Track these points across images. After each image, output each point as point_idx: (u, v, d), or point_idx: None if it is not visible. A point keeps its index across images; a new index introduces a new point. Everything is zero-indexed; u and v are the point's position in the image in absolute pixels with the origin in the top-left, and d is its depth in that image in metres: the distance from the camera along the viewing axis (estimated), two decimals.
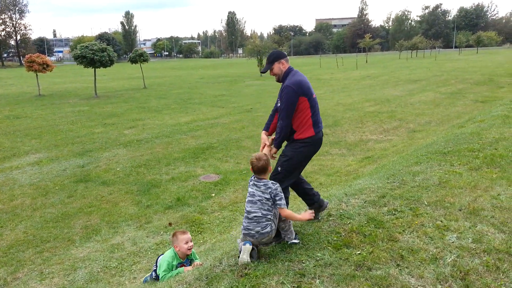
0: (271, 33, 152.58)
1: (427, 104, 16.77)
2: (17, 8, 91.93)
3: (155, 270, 3.91)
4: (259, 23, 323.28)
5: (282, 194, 3.19)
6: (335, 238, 3.38)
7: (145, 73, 38.58)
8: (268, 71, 3.56)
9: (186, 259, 3.79)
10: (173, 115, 16.44)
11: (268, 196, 3.16)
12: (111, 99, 21.99)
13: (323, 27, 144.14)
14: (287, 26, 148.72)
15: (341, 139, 11.45)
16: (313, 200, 3.76)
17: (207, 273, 2.95)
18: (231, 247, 3.72)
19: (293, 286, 2.67)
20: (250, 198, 3.23)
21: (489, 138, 6.97)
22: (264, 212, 3.14)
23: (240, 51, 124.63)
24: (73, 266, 5.15)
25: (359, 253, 3.09)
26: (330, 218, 3.78)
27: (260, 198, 3.17)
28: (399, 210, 3.91)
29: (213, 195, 7.41)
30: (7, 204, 7.35)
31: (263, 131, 3.69)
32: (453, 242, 3.20)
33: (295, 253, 3.16)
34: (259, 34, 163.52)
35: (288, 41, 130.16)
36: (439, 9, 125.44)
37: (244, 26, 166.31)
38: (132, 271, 4.98)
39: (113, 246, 5.67)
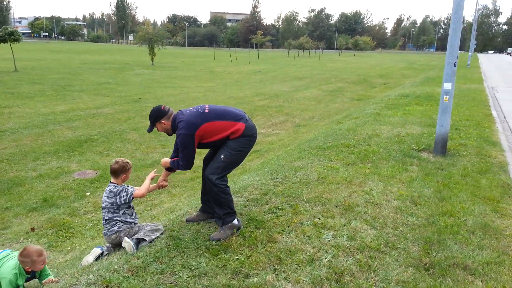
0: (165, 22, 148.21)
1: (311, 100, 17.72)
2: None
3: None
4: (152, 10, 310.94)
5: (124, 188, 3.36)
6: (214, 243, 3.16)
7: (18, 54, 34.09)
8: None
9: (32, 273, 3.09)
10: (47, 103, 14.69)
11: (112, 201, 3.34)
12: None
13: (217, 20, 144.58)
14: (182, 16, 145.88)
15: None
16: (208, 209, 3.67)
17: None
18: (106, 260, 3.27)
19: None
20: (102, 204, 3.48)
21: (363, 135, 7.48)
22: (110, 215, 3.37)
23: (131, 37, 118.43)
24: None
25: (237, 259, 2.91)
26: (212, 220, 3.55)
27: (105, 203, 3.38)
28: (280, 208, 3.85)
29: (88, 194, 6.67)
30: None
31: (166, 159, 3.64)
32: (329, 240, 3.21)
33: (168, 263, 2.86)
34: (152, 21, 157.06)
35: (182, 31, 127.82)
36: (324, 13, 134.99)
37: (135, 12, 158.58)
38: None
39: None
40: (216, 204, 3.34)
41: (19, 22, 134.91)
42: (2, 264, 3.01)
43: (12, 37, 23.32)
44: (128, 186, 3.42)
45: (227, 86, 22.41)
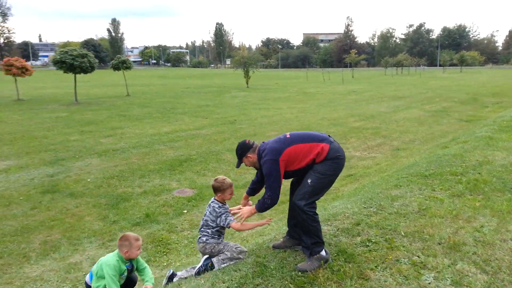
0: (259, 45, 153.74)
1: (412, 121, 16.70)
2: (0, 11, 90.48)
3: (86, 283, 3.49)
4: (247, 35, 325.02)
5: (226, 214, 3.55)
6: (299, 273, 3.06)
7: (131, 80, 38.04)
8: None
9: (130, 263, 3.45)
10: (154, 124, 16.02)
11: (212, 218, 3.61)
12: (91, 106, 21.45)
13: (310, 41, 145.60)
14: (275, 39, 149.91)
15: None
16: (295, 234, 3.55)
17: None
18: (193, 281, 3.37)
19: None
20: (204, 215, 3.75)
21: (473, 161, 6.77)
22: (205, 227, 3.66)
23: (228, 62, 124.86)
24: (23, 286, 4.73)
25: None
26: (298, 248, 3.46)
27: (206, 216, 3.68)
28: (373, 241, 3.61)
29: (185, 211, 7.03)
30: None
31: (245, 194, 3.79)
32: (429, 283, 2.91)
33: None
34: (247, 46, 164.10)
35: (276, 54, 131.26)
36: (423, 28, 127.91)
37: (232, 38, 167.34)
38: None
39: (70, 266, 5.26)
40: (304, 232, 3.22)
41: (131, 51, 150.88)
42: (102, 261, 3.41)
43: (124, 65, 26.11)
44: (228, 214, 3.62)
45: (320, 107, 22.24)
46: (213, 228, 3.63)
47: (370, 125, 15.86)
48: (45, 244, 5.90)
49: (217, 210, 3.62)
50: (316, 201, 3.30)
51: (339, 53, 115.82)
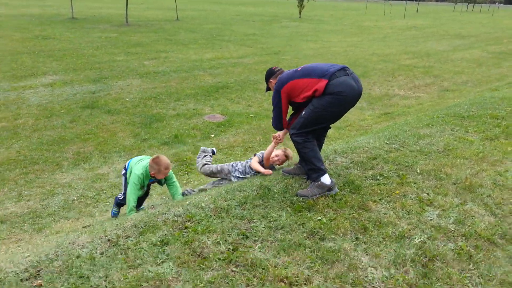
0: None
1: (470, 62, 15.41)
2: None
3: (124, 174, 3.92)
4: None
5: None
6: (300, 199, 3.03)
7: (183, 5, 37.51)
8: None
9: (155, 178, 3.81)
10: (198, 50, 15.94)
11: (241, 168, 3.98)
12: (141, 28, 21.57)
13: None
14: None
15: (366, 91, 10.71)
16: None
17: (147, 220, 2.71)
18: (198, 196, 3.46)
19: (228, 248, 2.38)
20: None
21: None
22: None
23: None
24: (52, 191, 5.11)
25: (319, 219, 2.74)
26: (304, 177, 3.41)
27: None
28: (385, 175, 3.47)
29: (212, 136, 7.14)
30: (10, 122, 7.39)
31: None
32: (431, 220, 2.78)
33: (250, 211, 2.85)
34: None
35: None
36: None
37: None
38: (107, 203, 4.90)
39: (98, 176, 5.60)
40: (300, 158, 3.28)
41: None
42: (136, 163, 3.80)
43: None
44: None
45: (373, 41, 20.97)
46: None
47: (423, 63, 14.83)
48: (78, 154, 6.28)
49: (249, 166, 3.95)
50: (311, 132, 3.21)
51: None
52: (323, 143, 3.61)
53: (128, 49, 15.49)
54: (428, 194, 3.16)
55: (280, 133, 3.55)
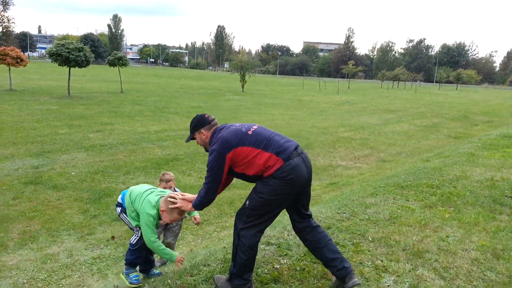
0: (259, 51, 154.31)
1: (401, 135, 16.91)
2: (1, 0, 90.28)
3: (120, 204, 3.37)
4: (248, 40, 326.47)
5: None
6: (266, 270, 3.15)
7: (127, 78, 38.00)
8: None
9: None
10: (144, 123, 16.04)
11: None
12: (83, 100, 21.43)
13: (310, 49, 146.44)
14: (275, 46, 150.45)
15: (311, 162, 11.29)
16: (333, 274, 2.97)
17: None
18: (162, 271, 3.44)
19: None
20: None
21: (450, 175, 6.91)
22: None
23: (226, 65, 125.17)
24: None
25: None
26: (267, 248, 3.55)
27: None
28: (341, 244, 3.71)
29: None
30: None
31: None
32: (388, 285, 3.01)
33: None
34: (247, 50, 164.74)
35: (274, 60, 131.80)
36: (423, 44, 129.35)
37: (232, 41, 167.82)
38: (60, 285, 4.61)
39: (47, 256, 5.28)
40: (232, 254, 2.86)
41: (130, 49, 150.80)
42: (145, 197, 3.14)
43: (120, 61, 26.16)
44: None
45: (312, 115, 22.42)
46: None
47: (359, 136, 16.03)
48: (24, 234, 5.92)
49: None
50: (263, 230, 2.84)
51: (338, 63, 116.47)
52: (321, 233, 3.02)
53: (71, 121, 15.25)
54: (382, 261, 3.42)
55: (188, 206, 2.95)
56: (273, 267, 3.21)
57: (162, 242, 3.46)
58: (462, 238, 3.98)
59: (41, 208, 6.91)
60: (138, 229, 3.23)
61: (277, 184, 2.67)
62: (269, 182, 2.68)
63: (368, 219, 4.42)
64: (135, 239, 3.29)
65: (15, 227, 6.13)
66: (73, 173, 8.86)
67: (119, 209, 3.41)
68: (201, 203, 2.89)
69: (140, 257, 3.32)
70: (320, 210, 4.78)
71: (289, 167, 2.67)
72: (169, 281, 2.94)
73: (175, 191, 3.71)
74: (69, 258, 5.25)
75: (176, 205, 2.96)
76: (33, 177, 8.43)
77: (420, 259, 3.47)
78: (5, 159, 9.65)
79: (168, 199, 3.03)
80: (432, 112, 26.76)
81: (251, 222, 2.76)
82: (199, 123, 2.96)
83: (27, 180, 8.22)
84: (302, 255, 3.45)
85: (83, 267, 5.07)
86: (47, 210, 6.85)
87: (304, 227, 2.99)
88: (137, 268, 3.35)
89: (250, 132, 2.79)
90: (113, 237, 5.87)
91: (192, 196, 3.09)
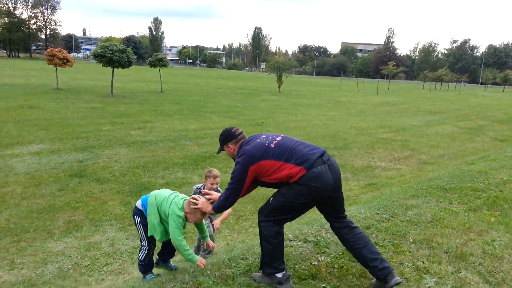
0: (296, 51, 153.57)
1: (444, 137, 16.33)
2: (49, 4, 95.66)
3: (140, 212, 3.40)
4: (285, 41, 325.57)
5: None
6: (303, 267, 3.13)
7: (166, 78, 38.93)
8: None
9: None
10: (183, 121, 16.38)
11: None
12: (125, 99, 22.16)
13: (348, 50, 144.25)
14: (312, 46, 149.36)
15: (348, 162, 11.14)
16: (374, 274, 2.92)
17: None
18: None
19: None
20: None
21: (497, 179, 6.60)
22: None
23: (263, 65, 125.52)
24: (45, 259, 5.02)
25: (324, 287, 2.83)
26: (305, 245, 3.53)
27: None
28: (380, 244, 3.63)
29: None
30: None
31: None
32: (429, 287, 2.91)
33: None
34: (284, 51, 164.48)
35: (312, 61, 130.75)
36: (468, 44, 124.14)
37: (269, 42, 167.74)
38: (102, 272, 4.82)
39: (90, 244, 5.52)
40: (260, 245, 2.97)
41: (170, 50, 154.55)
42: (172, 200, 3.23)
43: (161, 62, 26.84)
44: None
45: (350, 116, 22.06)
46: None
47: (400, 137, 15.62)
48: (69, 223, 6.21)
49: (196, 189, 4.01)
50: (283, 224, 2.94)
51: (377, 64, 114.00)
52: (359, 234, 3.01)
53: (114, 119, 15.80)
54: (423, 262, 3.32)
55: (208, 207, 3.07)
56: (311, 263, 3.19)
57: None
58: (509, 243, 3.79)
59: (85, 199, 7.22)
60: (146, 242, 3.36)
61: (302, 190, 2.78)
62: (294, 187, 2.79)
63: (409, 221, 4.30)
64: (142, 255, 3.40)
65: (61, 216, 6.44)
66: (115, 167, 9.19)
67: (138, 218, 3.43)
68: (220, 207, 3.02)
69: (151, 264, 3.45)
70: (358, 211, 4.69)
71: (312, 175, 2.75)
72: (208, 272, 2.99)
73: (218, 191, 3.75)
74: (111, 247, 5.47)
75: (197, 206, 3.09)
76: (78, 170, 8.81)
77: (464, 262, 3.34)
78: (51, 153, 10.14)
79: (191, 200, 3.14)
80: (478, 114, 25.66)
81: (272, 217, 2.87)
82: (226, 138, 3.13)
83: (72, 173, 8.61)
84: (340, 253, 3.40)
85: (124, 255, 5.26)
86: (90, 201, 7.14)
87: (342, 227, 3.03)
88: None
89: (272, 145, 2.89)
90: None
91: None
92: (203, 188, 3.79)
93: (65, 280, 4.48)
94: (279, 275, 2.83)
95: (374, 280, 2.93)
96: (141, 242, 3.44)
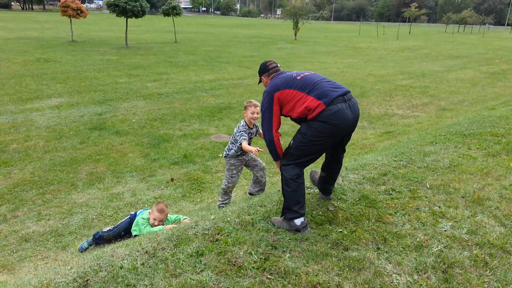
0: None
1: (464, 82, 15.86)
2: None
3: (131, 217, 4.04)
4: None
5: (243, 132, 3.85)
6: (320, 212, 3.20)
7: (180, 27, 38.20)
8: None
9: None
10: (198, 72, 16.26)
11: (235, 131, 4.02)
12: (140, 51, 21.97)
13: None
14: None
15: (365, 111, 11.01)
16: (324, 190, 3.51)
17: (179, 234, 2.86)
18: (220, 210, 3.62)
19: (260, 258, 2.54)
20: None
21: None
22: (231, 142, 4.13)
23: (278, 12, 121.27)
24: (70, 210, 5.24)
25: (341, 231, 2.91)
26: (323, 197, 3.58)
27: (233, 133, 4.06)
28: (397, 190, 3.66)
29: (220, 155, 7.30)
30: (21, 144, 7.53)
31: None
32: (445, 230, 2.96)
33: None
34: None
35: (329, 5, 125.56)
36: None
37: None
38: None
39: (113, 195, 5.73)
40: (281, 191, 3.08)
41: None
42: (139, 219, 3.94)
43: (174, 11, 26.19)
44: (244, 134, 3.88)
45: (368, 62, 21.49)
46: (234, 144, 4.04)
47: (419, 83, 15.23)
48: (91, 175, 6.42)
49: (240, 128, 3.95)
50: (304, 167, 2.99)
51: (399, 6, 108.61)
52: (339, 171, 3.40)
53: (130, 71, 15.78)
54: (439, 207, 3.35)
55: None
56: (328, 209, 3.26)
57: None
58: None
59: (105, 152, 7.41)
60: (116, 231, 4.07)
61: (320, 127, 2.81)
62: (313, 124, 2.84)
63: (426, 167, 4.29)
64: (104, 232, 4.11)
65: (83, 168, 6.66)
66: (133, 120, 9.32)
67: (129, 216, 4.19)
68: (267, 143, 3.12)
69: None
70: (375, 158, 4.70)
71: (330, 112, 2.78)
72: (228, 218, 3.10)
73: (256, 126, 4.13)
74: (133, 197, 5.67)
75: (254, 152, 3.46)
76: (97, 123, 8.98)
77: (480, 206, 3.36)
78: (71, 106, 10.30)
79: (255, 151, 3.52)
80: (501, 58, 24.65)
81: (293, 160, 2.95)
82: (261, 70, 3.31)
83: (92, 126, 8.78)
84: (357, 199, 3.46)
85: (146, 205, 5.45)
86: (111, 153, 7.33)
87: (335, 166, 3.35)
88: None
89: (299, 78, 2.98)
90: (172, 179, 6.22)
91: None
92: (244, 123, 3.99)
93: (90, 229, 4.70)
94: (298, 222, 2.90)
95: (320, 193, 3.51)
96: (114, 229, 4.07)
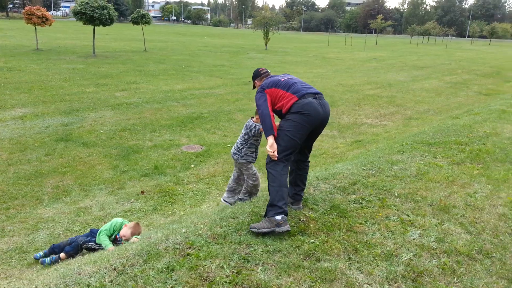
0: (283, 6, 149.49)
1: (429, 92, 16.42)
2: None
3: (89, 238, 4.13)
4: None
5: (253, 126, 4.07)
6: (292, 223, 3.21)
7: (149, 36, 37.79)
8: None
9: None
10: (168, 81, 16.10)
11: (244, 131, 4.14)
12: (108, 59, 21.56)
13: (336, 4, 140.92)
14: (300, 1, 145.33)
15: (335, 120, 11.19)
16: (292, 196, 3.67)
17: (148, 249, 2.79)
18: (191, 223, 3.56)
19: (233, 272, 2.51)
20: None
21: (480, 132, 6.73)
22: (239, 141, 4.20)
23: (249, 22, 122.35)
24: (36, 226, 5.03)
25: (312, 242, 2.92)
26: (293, 207, 3.59)
27: (241, 135, 4.20)
28: (367, 199, 3.72)
29: (192, 166, 7.23)
30: None
31: None
32: (414, 239, 3.03)
33: (246, 236, 3.00)
34: (271, 6, 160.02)
35: (299, 16, 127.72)
36: None
37: None
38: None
39: (80, 209, 5.54)
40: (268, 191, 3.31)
41: (152, 6, 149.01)
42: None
43: (144, 19, 25.92)
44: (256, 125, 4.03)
45: (337, 73, 21.92)
46: (244, 140, 4.14)
47: (386, 93, 15.65)
48: (57, 188, 6.20)
49: (247, 123, 4.13)
50: (287, 162, 3.33)
51: (365, 18, 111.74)
52: (307, 172, 3.68)
53: (97, 80, 15.45)
54: (408, 215, 3.43)
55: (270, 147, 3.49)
56: (300, 220, 3.28)
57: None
58: (490, 194, 3.93)
59: (72, 164, 7.18)
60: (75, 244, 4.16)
61: (295, 118, 3.26)
62: (289, 117, 3.30)
63: (394, 176, 4.40)
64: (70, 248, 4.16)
65: (49, 182, 6.42)
66: (101, 131, 9.09)
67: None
68: (265, 129, 3.35)
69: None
70: (345, 167, 4.77)
71: (301, 104, 3.27)
72: (200, 232, 3.05)
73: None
74: (102, 211, 5.50)
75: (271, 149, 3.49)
76: (63, 135, 8.70)
77: (447, 214, 3.46)
78: (35, 117, 9.95)
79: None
80: (463, 68, 25.72)
81: (278, 155, 3.25)
82: (254, 76, 3.92)
83: (58, 137, 8.50)
84: (328, 209, 3.49)
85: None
86: (78, 166, 7.11)
87: (303, 164, 3.66)
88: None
89: (283, 80, 3.53)
90: (142, 192, 6.09)
91: None
92: (252, 120, 4.13)
93: None
94: (279, 217, 3.06)
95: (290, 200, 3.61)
96: (77, 241, 4.15)
